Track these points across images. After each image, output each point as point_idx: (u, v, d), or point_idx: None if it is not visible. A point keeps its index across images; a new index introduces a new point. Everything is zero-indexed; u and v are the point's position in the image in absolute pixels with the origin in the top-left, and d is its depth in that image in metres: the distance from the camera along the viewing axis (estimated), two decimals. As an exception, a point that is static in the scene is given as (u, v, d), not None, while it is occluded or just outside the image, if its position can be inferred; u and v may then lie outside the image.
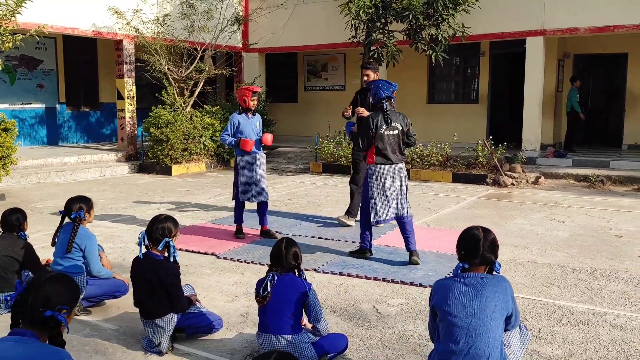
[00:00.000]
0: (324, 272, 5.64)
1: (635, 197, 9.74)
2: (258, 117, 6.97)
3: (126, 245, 6.64)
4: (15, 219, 4.71)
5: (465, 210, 8.65)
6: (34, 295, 2.28)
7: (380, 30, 11.92)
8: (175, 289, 3.73)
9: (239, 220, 7.00)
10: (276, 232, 7.18)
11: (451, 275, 3.13)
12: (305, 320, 3.64)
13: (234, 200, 6.99)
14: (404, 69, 14.13)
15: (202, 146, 12.92)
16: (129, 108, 13.24)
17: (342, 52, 16.87)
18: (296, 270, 3.57)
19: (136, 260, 3.82)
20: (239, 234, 6.98)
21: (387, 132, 5.75)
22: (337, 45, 14.94)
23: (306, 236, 7.03)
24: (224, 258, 6.13)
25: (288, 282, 3.49)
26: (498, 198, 9.70)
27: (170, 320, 3.77)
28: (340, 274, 5.56)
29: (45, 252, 5.71)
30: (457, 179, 11.25)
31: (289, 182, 11.61)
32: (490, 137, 11.40)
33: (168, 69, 12.75)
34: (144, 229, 3.88)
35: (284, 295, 3.45)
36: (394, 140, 5.79)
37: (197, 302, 4.06)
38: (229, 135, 6.77)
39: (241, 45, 15.77)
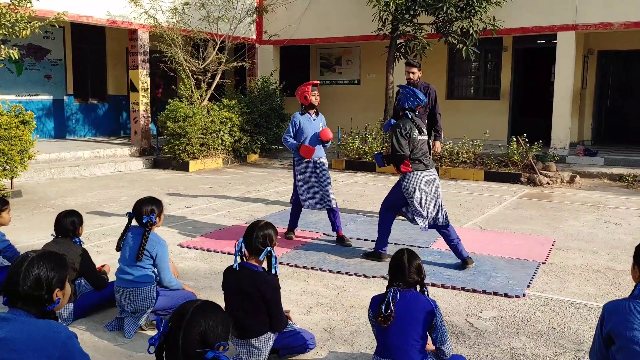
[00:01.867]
0: (394, 279, 5.22)
1: (679, 198, 9.42)
2: (322, 117, 6.53)
3: (169, 249, 6.16)
4: (71, 222, 4.25)
5: (511, 211, 8.27)
6: (187, 333, 1.84)
7: (409, 23, 11.48)
8: (275, 305, 3.29)
9: (292, 225, 6.61)
10: (323, 233, 6.78)
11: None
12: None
13: (291, 204, 6.61)
14: (422, 63, 13.65)
15: (220, 141, 12.43)
16: (143, 101, 12.71)
17: (357, 45, 16.44)
18: (418, 286, 3.15)
19: (231, 271, 3.37)
20: (288, 233, 6.59)
21: (419, 137, 5.45)
22: (356, 38, 14.52)
23: (357, 239, 6.61)
24: (280, 263, 5.69)
25: (412, 300, 3.07)
26: (538, 198, 9.33)
27: (268, 341, 3.33)
28: (414, 282, 5.14)
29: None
30: (490, 177, 10.87)
31: (314, 179, 11.16)
32: (525, 134, 10.99)
33: (186, 60, 12.23)
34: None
35: (409, 315, 3.03)
36: (425, 146, 5.54)
37: (290, 319, 3.63)
38: (291, 137, 6.36)
39: (255, 37, 15.27)
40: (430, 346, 3.21)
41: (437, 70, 15.11)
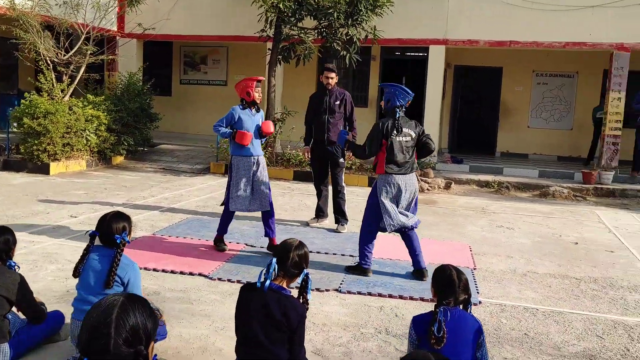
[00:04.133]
0: (349, 292, 5.01)
1: (543, 203, 10.39)
2: (262, 113, 6.10)
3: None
4: (4, 241, 3.44)
5: (411, 217, 8.47)
6: None
7: (294, 27, 11.34)
8: (299, 336, 2.90)
9: (221, 231, 6.07)
10: (245, 244, 6.35)
11: None
12: None
13: (223, 208, 6.04)
14: (292, 68, 13.53)
15: (85, 141, 11.21)
16: (-10, 93, 11.02)
17: (225, 45, 15.92)
18: (461, 305, 2.99)
19: (253, 290, 2.90)
20: (220, 244, 6.05)
21: (398, 139, 5.33)
22: (229, 37, 14.09)
23: (284, 249, 6.28)
24: (219, 279, 5.18)
25: (459, 318, 2.90)
26: (427, 204, 9.71)
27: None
28: (370, 294, 4.99)
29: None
30: (373, 183, 11.07)
31: (197, 184, 10.54)
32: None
33: (46, 49, 10.83)
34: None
35: (460, 335, 2.86)
36: (406, 149, 5.39)
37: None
38: (222, 126, 5.84)
39: (116, 29, 14.06)
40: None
41: (307, 76, 15.15)
